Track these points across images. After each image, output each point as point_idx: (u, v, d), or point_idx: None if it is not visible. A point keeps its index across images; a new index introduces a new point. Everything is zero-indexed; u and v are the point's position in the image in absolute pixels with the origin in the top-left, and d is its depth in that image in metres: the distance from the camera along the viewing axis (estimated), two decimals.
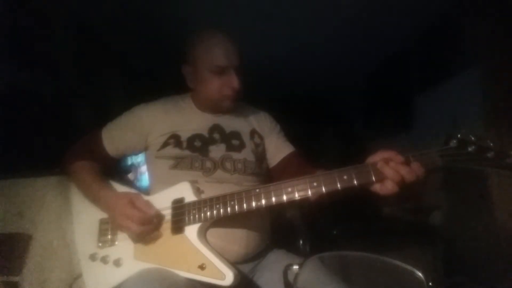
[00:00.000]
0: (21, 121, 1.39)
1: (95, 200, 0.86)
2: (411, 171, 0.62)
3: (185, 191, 0.81)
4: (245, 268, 0.86)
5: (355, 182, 0.65)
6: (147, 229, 0.77)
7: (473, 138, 0.61)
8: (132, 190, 0.89)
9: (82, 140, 0.98)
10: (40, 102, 1.51)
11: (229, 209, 0.73)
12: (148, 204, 0.79)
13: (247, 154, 0.94)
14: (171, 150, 0.89)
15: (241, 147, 0.95)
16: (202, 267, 0.73)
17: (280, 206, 0.70)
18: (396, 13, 1.96)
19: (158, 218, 0.79)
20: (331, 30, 2.18)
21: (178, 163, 0.87)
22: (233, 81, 0.89)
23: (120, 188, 0.91)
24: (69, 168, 0.94)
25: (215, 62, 0.88)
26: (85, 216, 0.91)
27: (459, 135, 0.62)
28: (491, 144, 0.59)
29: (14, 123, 1.36)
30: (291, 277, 0.67)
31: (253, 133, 1.00)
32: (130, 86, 2.29)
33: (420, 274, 0.63)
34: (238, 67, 0.90)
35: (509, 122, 1.37)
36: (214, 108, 0.97)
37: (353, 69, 2.95)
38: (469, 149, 0.60)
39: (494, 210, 1.47)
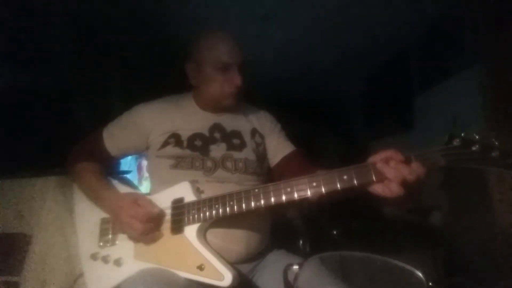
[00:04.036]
0: (21, 121, 1.39)
1: (98, 201, 0.87)
2: (412, 171, 0.61)
3: (185, 191, 0.81)
4: (245, 268, 0.86)
5: (355, 182, 0.64)
6: (150, 227, 0.77)
7: (477, 137, 0.58)
8: (134, 190, 0.89)
9: (84, 141, 0.98)
10: (40, 102, 1.51)
11: (228, 209, 0.73)
12: (151, 202, 0.80)
13: (248, 153, 0.94)
14: (172, 150, 0.89)
15: (242, 146, 0.94)
16: (201, 267, 0.73)
17: (280, 206, 0.69)
18: (397, 13, 1.97)
19: (160, 216, 0.79)
20: (332, 31, 2.18)
21: (179, 163, 0.87)
22: (236, 78, 0.89)
23: (122, 187, 0.91)
24: (72, 170, 0.93)
25: (220, 58, 0.89)
26: (86, 216, 0.91)
27: (462, 134, 0.59)
28: (496, 143, 0.57)
29: (14, 123, 1.36)
30: (291, 277, 0.67)
31: (254, 132, 1.00)
32: (130, 86, 2.29)
33: (420, 274, 0.63)
34: (240, 65, 0.91)
35: (510, 122, 1.37)
36: (215, 106, 0.97)
37: (354, 69, 2.95)
38: (473, 148, 0.58)
39: (494, 210, 1.47)
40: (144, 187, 2.10)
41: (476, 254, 1.55)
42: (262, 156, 0.98)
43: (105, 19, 1.88)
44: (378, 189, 0.64)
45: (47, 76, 1.58)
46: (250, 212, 0.72)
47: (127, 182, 1.05)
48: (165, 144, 0.90)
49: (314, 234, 1.70)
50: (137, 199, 0.78)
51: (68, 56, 1.74)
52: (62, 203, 1.05)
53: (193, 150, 0.89)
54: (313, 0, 1.83)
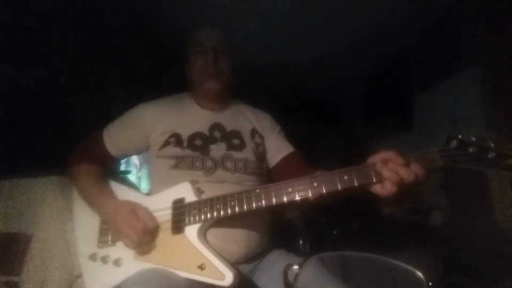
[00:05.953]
0: (21, 121, 1.39)
1: (95, 205, 0.86)
2: (411, 172, 0.62)
3: (185, 191, 0.81)
4: (245, 268, 0.86)
5: (356, 182, 0.65)
6: (145, 240, 0.76)
7: (474, 139, 0.60)
8: (134, 193, 0.89)
9: (84, 142, 0.97)
10: (40, 102, 1.51)
11: (229, 209, 0.73)
12: (150, 214, 0.79)
13: (247, 153, 0.94)
14: (172, 150, 0.89)
15: (241, 146, 0.94)
16: (201, 267, 0.73)
17: (281, 206, 0.70)
18: (396, 13, 1.97)
19: (156, 229, 0.79)
20: (332, 31, 2.18)
21: (179, 163, 0.87)
22: (208, 58, 0.94)
23: (121, 189, 0.90)
24: (71, 171, 0.93)
25: (197, 42, 0.98)
26: (85, 216, 0.91)
27: (459, 136, 0.61)
28: (492, 145, 0.59)
29: (15, 123, 1.36)
30: (291, 277, 0.67)
31: (253, 132, 1.00)
32: (130, 86, 2.29)
33: (420, 274, 0.63)
34: (215, 49, 0.96)
35: (509, 122, 1.37)
36: (206, 96, 0.98)
37: (354, 69, 2.95)
38: (470, 149, 0.60)
39: (493, 210, 1.47)
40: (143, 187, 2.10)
41: (476, 254, 1.55)
42: (261, 157, 0.98)
43: (106, 19, 1.88)
44: (376, 189, 0.65)
45: (48, 76, 1.58)
46: (250, 212, 0.72)
47: (127, 183, 1.05)
48: (165, 144, 0.90)
49: (314, 234, 1.71)
50: (136, 210, 0.78)
51: (68, 57, 1.74)
52: (62, 203, 1.05)
53: (193, 150, 0.89)
54: (314, 1, 1.84)
